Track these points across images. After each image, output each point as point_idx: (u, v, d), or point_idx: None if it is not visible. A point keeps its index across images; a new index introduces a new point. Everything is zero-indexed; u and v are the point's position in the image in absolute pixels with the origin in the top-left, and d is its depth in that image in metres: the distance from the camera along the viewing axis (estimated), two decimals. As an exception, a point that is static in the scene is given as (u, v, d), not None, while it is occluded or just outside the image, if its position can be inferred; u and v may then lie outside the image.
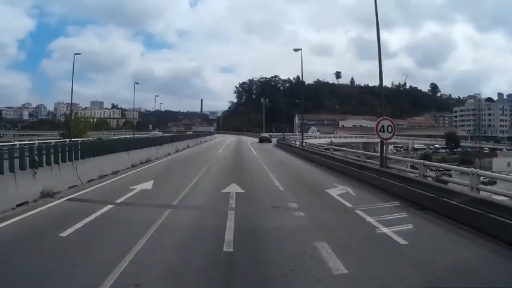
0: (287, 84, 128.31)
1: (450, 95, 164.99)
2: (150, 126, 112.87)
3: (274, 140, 48.98)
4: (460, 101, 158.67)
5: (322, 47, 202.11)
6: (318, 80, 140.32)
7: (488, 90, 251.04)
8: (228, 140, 54.32)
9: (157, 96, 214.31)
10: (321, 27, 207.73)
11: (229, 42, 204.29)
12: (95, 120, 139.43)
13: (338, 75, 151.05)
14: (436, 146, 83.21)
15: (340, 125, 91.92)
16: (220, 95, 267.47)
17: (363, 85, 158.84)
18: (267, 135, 57.32)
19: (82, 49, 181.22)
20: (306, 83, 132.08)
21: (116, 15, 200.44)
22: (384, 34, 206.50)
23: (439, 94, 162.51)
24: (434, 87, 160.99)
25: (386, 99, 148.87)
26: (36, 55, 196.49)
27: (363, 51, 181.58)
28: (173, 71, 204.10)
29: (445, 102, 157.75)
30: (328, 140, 48.08)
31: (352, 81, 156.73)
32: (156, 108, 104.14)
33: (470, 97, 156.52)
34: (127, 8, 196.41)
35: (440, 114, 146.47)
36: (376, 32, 13.13)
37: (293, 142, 39.47)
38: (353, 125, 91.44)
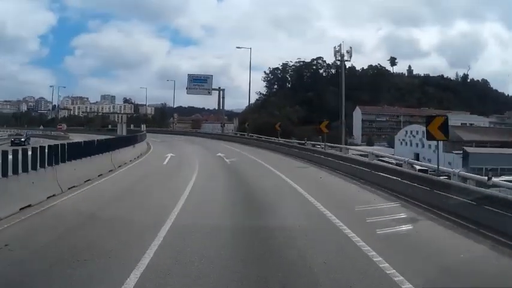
0: (332, 71, 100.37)
1: (503, 92, 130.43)
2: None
3: None
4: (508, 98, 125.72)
5: (353, 44, 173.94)
6: (371, 65, 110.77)
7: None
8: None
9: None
10: (350, 24, 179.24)
11: (256, 38, 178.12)
12: (94, 114, 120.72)
13: (393, 62, 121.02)
14: None
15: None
16: (247, 93, 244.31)
17: (422, 75, 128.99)
18: None
19: (105, 45, 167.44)
20: (358, 68, 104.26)
21: (138, 10, 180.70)
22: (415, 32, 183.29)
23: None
24: (485, 83, 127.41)
25: (451, 92, 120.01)
26: (58, 51, 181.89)
27: (396, 49, 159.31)
28: (199, 68, 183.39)
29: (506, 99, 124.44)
30: None
31: (410, 69, 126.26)
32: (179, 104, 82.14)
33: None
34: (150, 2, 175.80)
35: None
36: None
37: None
38: (461, 123, 63.22)
